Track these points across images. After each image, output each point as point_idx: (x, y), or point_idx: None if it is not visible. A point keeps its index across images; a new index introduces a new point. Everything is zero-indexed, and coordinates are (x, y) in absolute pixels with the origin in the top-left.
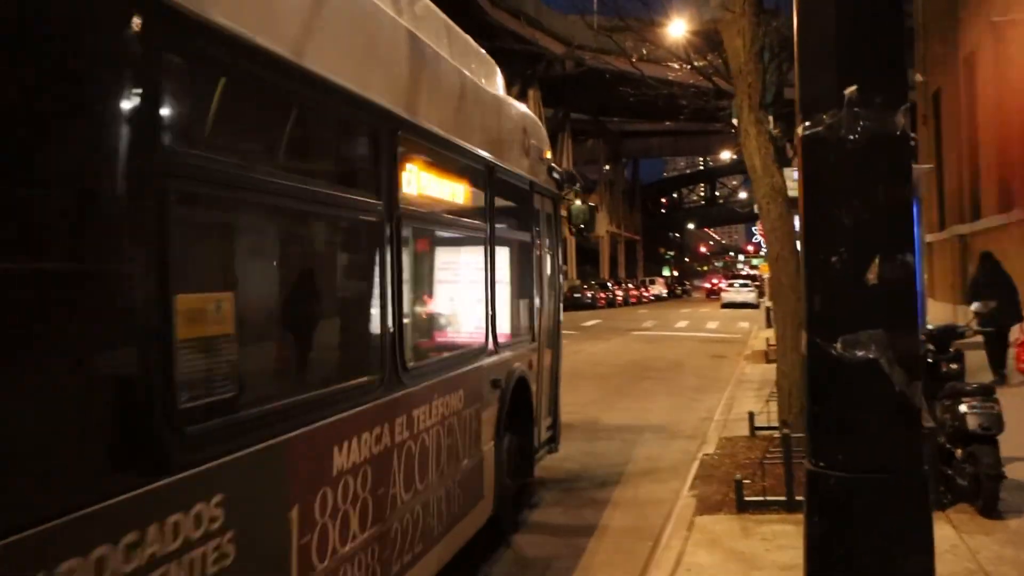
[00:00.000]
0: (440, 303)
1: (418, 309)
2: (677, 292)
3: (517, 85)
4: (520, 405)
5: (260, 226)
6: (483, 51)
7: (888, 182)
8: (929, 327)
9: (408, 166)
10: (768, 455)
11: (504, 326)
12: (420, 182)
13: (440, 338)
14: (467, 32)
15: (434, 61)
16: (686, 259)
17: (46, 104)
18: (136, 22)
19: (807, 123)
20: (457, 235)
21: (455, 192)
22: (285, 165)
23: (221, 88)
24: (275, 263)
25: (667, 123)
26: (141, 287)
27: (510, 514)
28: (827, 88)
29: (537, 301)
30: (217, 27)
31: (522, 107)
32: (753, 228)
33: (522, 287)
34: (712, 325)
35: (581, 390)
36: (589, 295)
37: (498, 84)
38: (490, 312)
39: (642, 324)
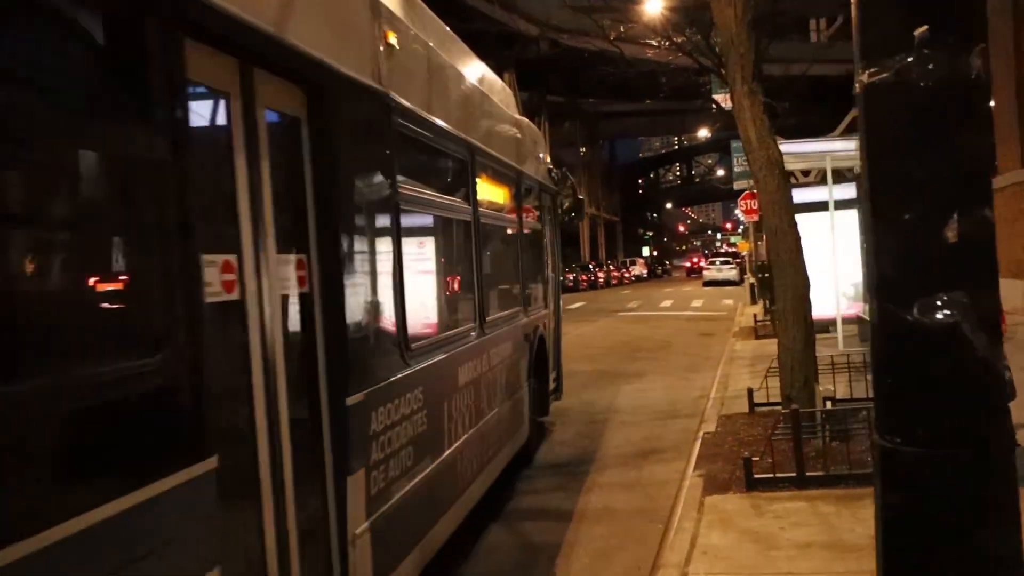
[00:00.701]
0: (493, 277)
1: (487, 281)
2: (658, 272)
3: (492, 68)
4: (540, 357)
5: (426, 227)
6: (507, 87)
7: (965, 130)
8: None
9: (478, 180)
10: (777, 431)
11: (529, 296)
12: (484, 190)
13: (496, 303)
14: (441, 14)
15: (490, 104)
16: (664, 239)
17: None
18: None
19: (871, 69)
20: (501, 226)
21: (501, 195)
22: (436, 187)
23: (415, 147)
24: (432, 251)
25: (647, 101)
26: (397, 270)
27: (535, 440)
28: (893, 29)
29: (547, 277)
30: (417, 113)
31: (531, 124)
32: (732, 205)
33: (537, 265)
34: (697, 303)
35: (573, 372)
36: (571, 277)
37: (514, 106)
38: (521, 284)
39: (627, 305)
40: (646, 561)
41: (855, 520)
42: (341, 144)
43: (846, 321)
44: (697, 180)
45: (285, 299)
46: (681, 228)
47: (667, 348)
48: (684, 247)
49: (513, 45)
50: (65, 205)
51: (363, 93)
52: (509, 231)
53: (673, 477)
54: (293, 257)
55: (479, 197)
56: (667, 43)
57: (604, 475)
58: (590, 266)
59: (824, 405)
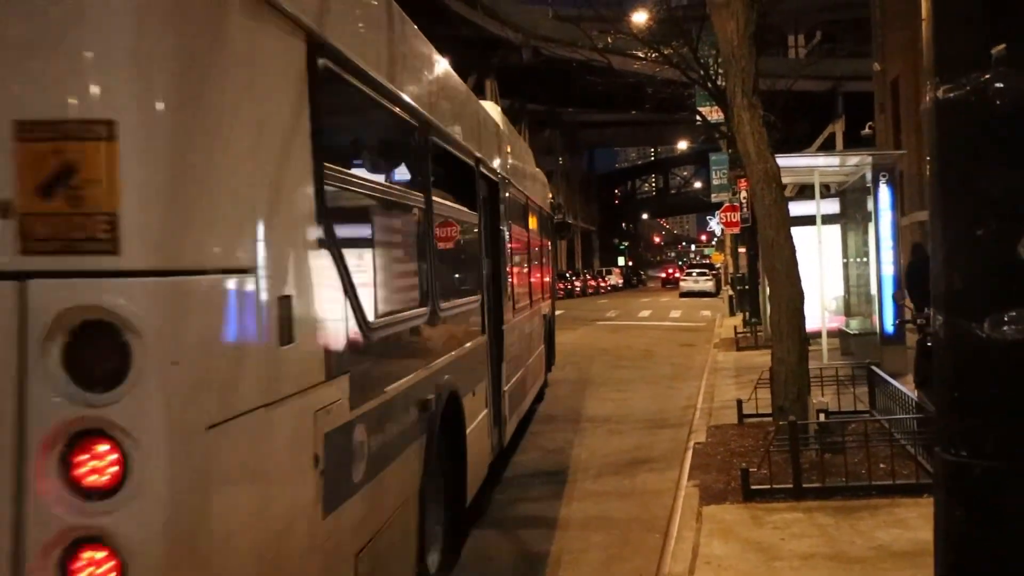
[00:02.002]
0: (532, 274)
1: (535, 278)
2: (633, 282)
3: (474, 75)
4: (549, 331)
5: (515, 245)
6: (527, 146)
7: None
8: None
9: (528, 215)
10: (776, 443)
11: (544, 288)
12: (530, 221)
13: (534, 291)
14: (423, 19)
15: (530, 165)
16: (639, 249)
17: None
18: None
19: (945, 86)
20: (535, 242)
21: (533, 222)
22: (517, 223)
23: (514, 202)
24: (517, 259)
25: (633, 112)
26: (513, 268)
27: (544, 386)
28: (968, 46)
29: (551, 277)
30: (514, 184)
31: (539, 170)
32: (707, 217)
33: (547, 269)
34: (675, 314)
35: (559, 380)
36: None
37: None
38: (540, 280)
39: (605, 314)
40: (647, 570)
41: (854, 532)
42: (498, 206)
43: (830, 335)
44: (673, 192)
45: (485, 279)
46: (655, 239)
47: (649, 357)
48: (658, 258)
49: (496, 52)
50: (458, 245)
51: (504, 180)
52: (536, 245)
53: (667, 487)
54: (488, 259)
55: (528, 226)
56: (654, 55)
57: (597, 483)
58: (567, 274)
59: (818, 417)
